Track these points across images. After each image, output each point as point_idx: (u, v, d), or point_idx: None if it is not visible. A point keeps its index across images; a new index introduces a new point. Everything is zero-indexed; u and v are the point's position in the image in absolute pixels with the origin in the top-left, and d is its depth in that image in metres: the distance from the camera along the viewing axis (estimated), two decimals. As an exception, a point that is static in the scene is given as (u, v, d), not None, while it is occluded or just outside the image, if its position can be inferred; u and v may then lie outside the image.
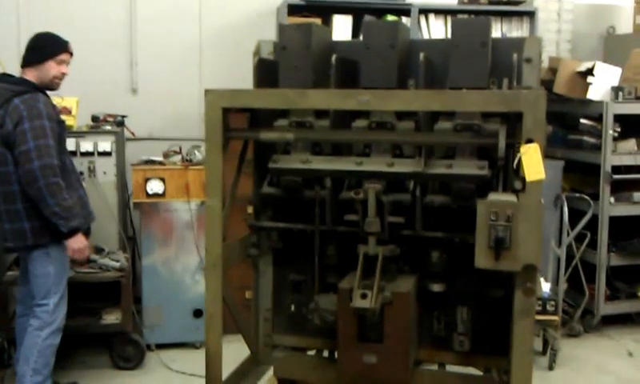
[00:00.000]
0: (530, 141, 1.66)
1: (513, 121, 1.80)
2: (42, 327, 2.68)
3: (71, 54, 2.83)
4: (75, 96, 3.51)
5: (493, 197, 1.74)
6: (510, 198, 1.70)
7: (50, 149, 2.57)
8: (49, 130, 2.59)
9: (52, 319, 2.70)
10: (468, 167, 1.87)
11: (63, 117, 3.24)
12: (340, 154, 2.08)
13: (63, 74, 2.80)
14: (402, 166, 1.92)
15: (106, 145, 3.43)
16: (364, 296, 1.86)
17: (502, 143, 1.77)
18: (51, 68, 2.74)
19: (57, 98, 3.44)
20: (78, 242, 2.67)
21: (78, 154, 3.38)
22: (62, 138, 2.75)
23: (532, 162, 1.65)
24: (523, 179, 1.66)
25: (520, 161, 1.66)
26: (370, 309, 1.85)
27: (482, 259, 1.69)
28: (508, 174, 1.87)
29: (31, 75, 2.73)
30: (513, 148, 1.78)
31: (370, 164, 1.95)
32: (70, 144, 3.41)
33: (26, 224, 2.64)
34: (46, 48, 2.74)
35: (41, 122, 2.58)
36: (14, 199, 2.64)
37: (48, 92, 2.80)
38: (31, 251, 2.70)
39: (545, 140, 1.72)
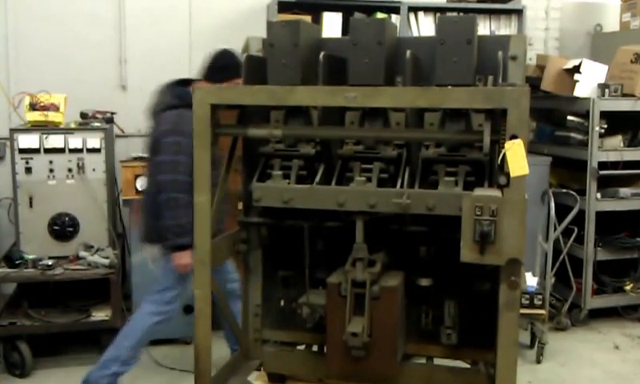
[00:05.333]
0: (514, 137, 1.68)
1: (497, 117, 1.82)
2: (157, 314, 2.90)
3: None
4: (64, 93, 3.50)
5: (478, 192, 1.76)
6: (495, 193, 1.72)
7: (180, 165, 2.70)
8: (185, 147, 2.67)
9: (167, 309, 2.92)
10: (451, 204, 1.81)
11: (50, 113, 3.23)
12: (329, 156, 2.08)
13: None
14: (385, 205, 1.87)
15: (95, 141, 3.42)
16: (354, 335, 1.88)
17: (486, 139, 1.80)
18: None
19: (44, 95, 3.43)
20: (182, 258, 2.79)
21: (67, 150, 3.37)
22: None
23: (516, 157, 1.67)
24: (508, 175, 1.68)
25: (504, 157, 1.69)
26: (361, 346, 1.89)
27: (468, 253, 1.71)
28: (492, 169, 1.89)
29: None
30: (497, 144, 1.80)
31: (352, 201, 1.90)
32: (59, 141, 3.40)
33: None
34: (228, 69, 2.78)
35: (179, 139, 2.71)
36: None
37: None
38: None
39: (528, 136, 1.74)
